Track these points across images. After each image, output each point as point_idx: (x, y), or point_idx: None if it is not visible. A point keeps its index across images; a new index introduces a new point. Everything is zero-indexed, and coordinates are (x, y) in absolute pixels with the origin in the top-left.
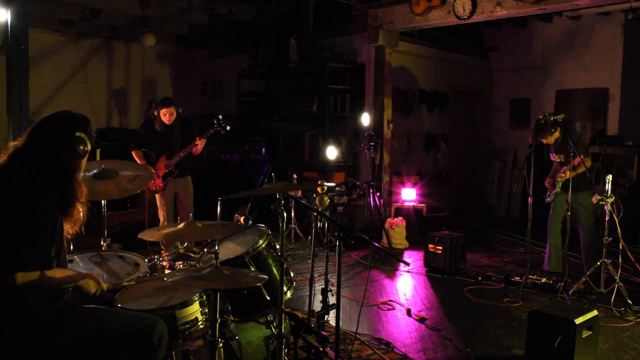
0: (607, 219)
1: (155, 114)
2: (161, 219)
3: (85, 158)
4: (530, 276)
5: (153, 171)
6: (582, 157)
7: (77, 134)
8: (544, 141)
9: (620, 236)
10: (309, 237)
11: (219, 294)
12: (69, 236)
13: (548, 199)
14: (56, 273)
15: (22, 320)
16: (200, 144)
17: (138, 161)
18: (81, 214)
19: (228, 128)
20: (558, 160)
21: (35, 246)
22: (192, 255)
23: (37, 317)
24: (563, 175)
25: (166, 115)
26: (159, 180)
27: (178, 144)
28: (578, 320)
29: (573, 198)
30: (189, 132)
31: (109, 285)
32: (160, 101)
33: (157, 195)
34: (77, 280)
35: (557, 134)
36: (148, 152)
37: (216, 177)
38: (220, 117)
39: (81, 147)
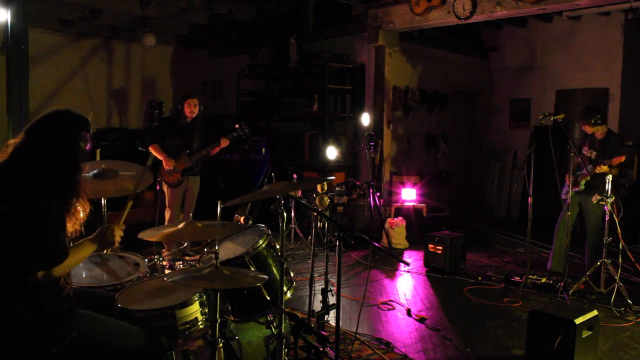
0: (607, 219)
1: (179, 108)
2: (167, 216)
3: (85, 158)
4: (530, 276)
5: (174, 165)
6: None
7: (83, 133)
8: (586, 128)
9: (620, 236)
10: (309, 237)
11: (219, 294)
12: (71, 235)
13: (564, 196)
14: (71, 251)
15: (30, 318)
16: (224, 144)
17: (157, 155)
18: (82, 214)
19: (249, 134)
20: (588, 155)
21: (52, 243)
22: (187, 258)
23: (44, 315)
24: (602, 166)
25: (190, 106)
26: (177, 175)
27: (198, 141)
28: (578, 320)
29: (584, 199)
30: (206, 132)
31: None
32: (184, 95)
33: (168, 192)
34: (92, 250)
35: (600, 128)
36: (165, 147)
37: (216, 177)
38: (243, 122)
39: (84, 146)
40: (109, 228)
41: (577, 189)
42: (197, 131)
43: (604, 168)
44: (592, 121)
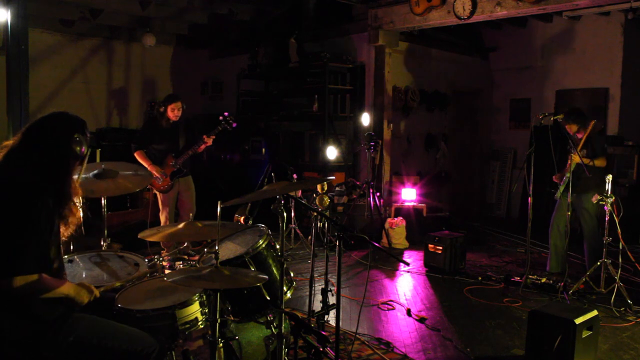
0: (607, 219)
1: (162, 110)
2: (163, 219)
3: (80, 161)
4: (530, 276)
5: (160, 171)
6: (581, 154)
7: (76, 135)
8: (567, 127)
9: (620, 236)
10: (309, 237)
11: (219, 294)
12: (66, 237)
13: (557, 195)
14: (53, 281)
15: (24, 322)
16: (208, 141)
17: (143, 162)
18: (77, 215)
19: (234, 125)
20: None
21: (36, 248)
22: (186, 257)
23: (39, 320)
24: (574, 156)
25: (174, 111)
26: (167, 180)
27: (184, 143)
28: (578, 320)
29: (576, 199)
30: (191, 131)
31: (105, 287)
32: (167, 97)
33: (160, 196)
34: (69, 292)
35: (581, 129)
36: (151, 152)
37: (216, 177)
38: (226, 114)
39: (78, 149)
40: (93, 291)
41: (563, 180)
42: (182, 133)
43: (576, 158)
44: (568, 122)
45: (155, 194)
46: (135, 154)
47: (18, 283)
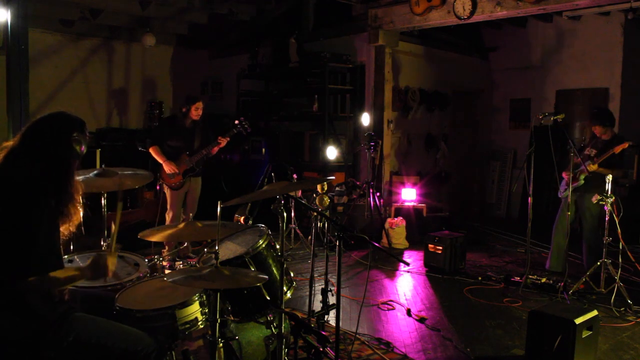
0: (607, 219)
1: (184, 110)
2: (169, 218)
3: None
4: (530, 276)
5: (175, 168)
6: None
7: (75, 134)
8: (595, 129)
9: (620, 236)
10: (309, 237)
11: (219, 294)
12: (67, 236)
13: (562, 194)
14: (61, 273)
15: (25, 322)
16: (223, 142)
17: (157, 158)
18: (78, 214)
19: (249, 130)
20: (587, 152)
21: (43, 249)
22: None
23: (40, 319)
24: (592, 164)
25: (197, 110)
26: (179, 177)
27: (199, 142)
28: (578, 320)
29: (580, 198)
30: (207, 133)
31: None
32: (190, 98)
33: (169, 193)
34: (83, 277)
35: (608, 131)
36: (165, 149)
37: (219, 180)
38: (242, 118)
39: (78, 148)
40: (102, 257)
41: (576, 184)
42: (198, 132)
43: (593, 167)
44: (601, 125)
45: (164, 193)
46: (151, 149)
47: (29, 285)
